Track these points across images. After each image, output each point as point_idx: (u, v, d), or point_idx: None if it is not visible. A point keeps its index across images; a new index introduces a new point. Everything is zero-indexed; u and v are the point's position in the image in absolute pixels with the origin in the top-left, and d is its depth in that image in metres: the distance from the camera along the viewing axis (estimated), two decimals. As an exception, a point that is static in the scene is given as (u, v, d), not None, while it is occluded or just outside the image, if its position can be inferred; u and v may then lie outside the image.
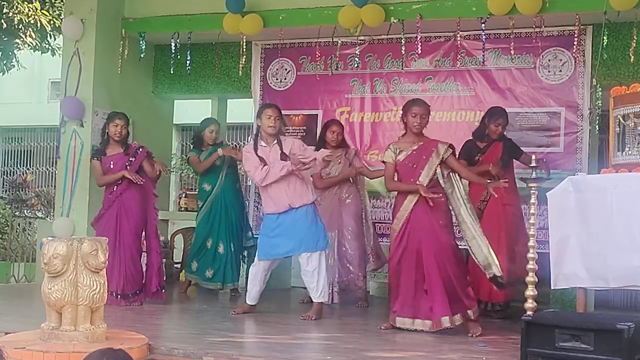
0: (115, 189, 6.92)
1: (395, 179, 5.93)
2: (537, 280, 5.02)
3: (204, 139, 7.87)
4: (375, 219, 7.93)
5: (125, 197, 6.90)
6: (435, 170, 5.77)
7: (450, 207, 5.82)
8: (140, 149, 7.06)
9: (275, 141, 6.34)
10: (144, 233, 7.02)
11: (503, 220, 6.69)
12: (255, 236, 7.71)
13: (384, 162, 5.97)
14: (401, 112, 6.06)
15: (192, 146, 8.08)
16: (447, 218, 5.81)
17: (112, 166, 6.96)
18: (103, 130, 7.15)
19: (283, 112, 8.48)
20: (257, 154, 6.27)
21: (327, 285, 6.44)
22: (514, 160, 6.97)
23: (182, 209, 10.01)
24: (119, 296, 6.68)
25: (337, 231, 7.23)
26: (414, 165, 5.80)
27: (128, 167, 6.89)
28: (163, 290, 6.95)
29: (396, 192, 6.02)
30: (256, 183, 6.46)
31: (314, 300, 6.38)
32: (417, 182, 5.74)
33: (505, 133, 6.99)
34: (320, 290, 6.32)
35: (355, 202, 7.33)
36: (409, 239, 5.73)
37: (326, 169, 7.19)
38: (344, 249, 7.26)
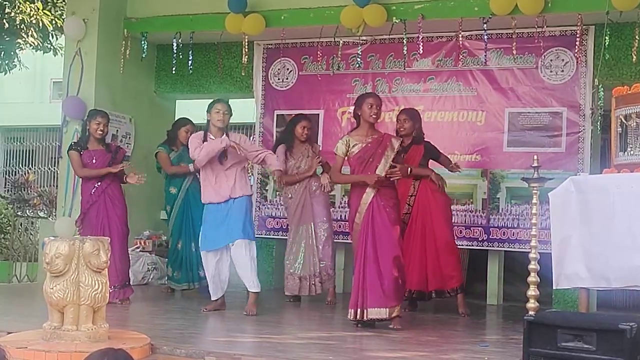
0: (98, 186, 6.89)
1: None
2: (539, 280, 5.02)
3: (177, 138, 7.88)
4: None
5: (111, 191, 6.93)
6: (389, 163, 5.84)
7: None
8: (120, 149, 7.14)
9: (223, 135, 6.50)
10: None
11: (434, 209, 6.80)
12: None
13: (335, 153, 5.98)
14: (353, 106, 6.11)
15: (163, 141, 8.00)
16: (396, 212, 5.87)
17: (94, 161, 6.92)
18: (84, 127, 7.15)
19: (285, 111, 8.59)
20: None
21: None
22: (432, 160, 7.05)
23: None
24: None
25: (311, 223, 7.32)
26: (371, 159, 5.82)
27: (111, 164, 6.92)
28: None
29: (350, 186, 6.07)
30: (198, 163, 6.56)
31: (249, 291, 6.47)
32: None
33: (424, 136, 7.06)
34: (255, 280, 6.46)
35: (323, 192, 7.40)
36: (369, 231, 5.74)
37: (293, 162, 7.40)
38: (317, 239, 7.32)
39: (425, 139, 7.03)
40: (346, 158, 5.90)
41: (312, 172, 7.37)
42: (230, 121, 9.86)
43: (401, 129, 6.88)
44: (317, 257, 7.30)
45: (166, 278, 8.07)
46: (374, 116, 5.88)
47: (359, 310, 5.67)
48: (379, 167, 5.80)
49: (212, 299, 6.57)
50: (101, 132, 6.94)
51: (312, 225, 7.33)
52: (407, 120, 6.89)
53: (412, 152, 6.82)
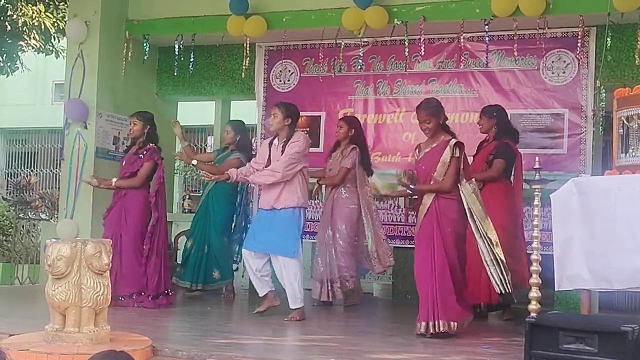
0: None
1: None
2: (541, 281, 5.02)
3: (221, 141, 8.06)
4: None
5: (128, 198, 6.94)
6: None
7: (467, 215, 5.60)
8: (146, 152, 6.99)
9: (284, 140, 6.31)
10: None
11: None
12: None
13: None
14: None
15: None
16: (455, 225, 5.61)
17: (124, 164, 7.08)
18: None
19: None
20: (269, 148, 6.35)
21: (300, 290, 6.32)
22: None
23: (186, 210, 10.03)
24: None
25: (329, 229, 7.29)
26: (425, 167, 5.73)
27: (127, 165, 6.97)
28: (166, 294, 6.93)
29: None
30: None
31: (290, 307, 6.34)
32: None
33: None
34: (293, 296, 6.29)
35: (349, 203, 7.29)
36: (420, 242, 5.67)
37: (329, 163, 7.38)
38: (336, 247, 7.26)
39: (505, 140, 6.73)
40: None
41: (333, 180, 7.27)
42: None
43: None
44: (336, 265, 7.22)
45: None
46: (424, 131, 5.77)
47: (432, 322, 5.50)
48: (434, 176, 5.64)
49: (259, 295, 6.48)
50: (130, 132, 7.09)
51: (331, 232, 7.26)
52: (486, 125, 6.83)
53: (484, 150, 6.71)
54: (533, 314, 4.75)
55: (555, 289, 5.13)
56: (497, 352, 5.09)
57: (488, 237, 5.49)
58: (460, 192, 5.60)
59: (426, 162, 5.73)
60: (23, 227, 10.75)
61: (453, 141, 5.64)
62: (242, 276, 8.03)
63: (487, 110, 6.94)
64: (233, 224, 7.95)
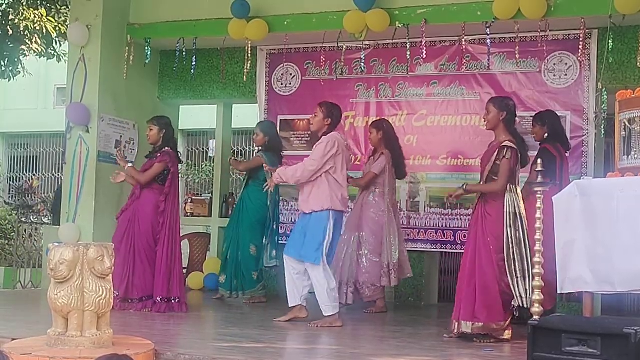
0: (135, 192, 6.99)
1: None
2: (543, 284, 5.01)
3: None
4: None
5: (141, 201, 6.93)
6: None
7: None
8: (159, 155, 6.97)
9: (322, 137, 6.24)
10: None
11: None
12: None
13: None
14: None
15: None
16: (494, 233, 5.46)
17: (140, 168, 7.10)
18: None
19: (288, 116, 8.59)
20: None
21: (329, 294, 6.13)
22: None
23: (188, 214, 10.00)
24: (120, 299, 6.67)
25: (356, 234, 7.20)
26: (482, 163, 5.72)
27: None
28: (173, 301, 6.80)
29: None
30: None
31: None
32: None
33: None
34: (321, 303, 6.15)
35: (377, 209, 7.20)
36: (469, 242, 5.65)
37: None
38: (358, 254, 7.20)
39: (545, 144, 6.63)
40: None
41: (359, 183, 7.25)
42: (233, 127, 9.99)
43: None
44: (356, 268, 7.15)
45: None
46: (485, 122, 5.78)
47: (456, 323, 5.52)
48: (483, 175, 5.65)
49: (289, 305, 6.29)
50: (148, 138, 7.09)
51: (358, 236, 7.19)
52: (540, 131, 6.73)
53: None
54: (536, 317, 4.74)
55: (558, 292, 5.13)
56: (500, 355, 5.08)
57: (529, 245, 5.38)
58: (513, 195, 5.49)
59: (484, 158, 5.74)
60: (25, 231, 10.76)
61: (504, 143, 5.56)
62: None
63: (538, 118, 6.84)
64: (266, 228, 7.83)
